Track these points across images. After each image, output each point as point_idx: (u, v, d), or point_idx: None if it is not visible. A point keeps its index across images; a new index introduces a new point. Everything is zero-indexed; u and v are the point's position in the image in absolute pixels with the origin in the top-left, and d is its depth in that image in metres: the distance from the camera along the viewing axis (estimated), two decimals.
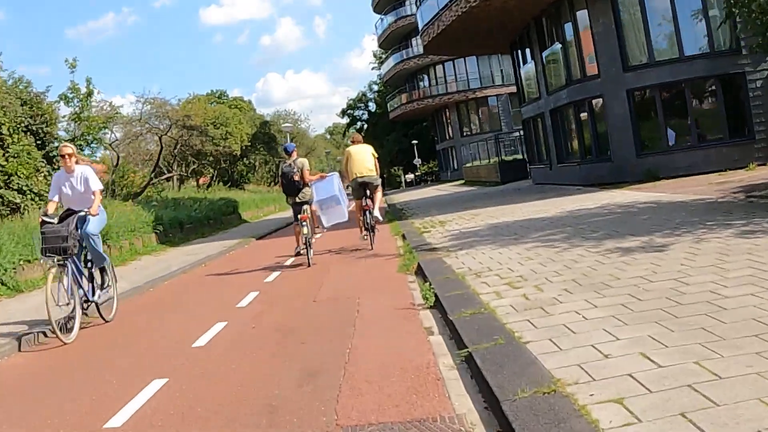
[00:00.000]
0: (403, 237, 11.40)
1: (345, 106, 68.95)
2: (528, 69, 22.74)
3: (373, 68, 62.68)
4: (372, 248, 10.28)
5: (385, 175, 59.98)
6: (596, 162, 17.96)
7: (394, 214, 18.96)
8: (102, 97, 25.44)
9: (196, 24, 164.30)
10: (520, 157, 29.82)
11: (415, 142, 54.54)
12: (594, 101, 17.98)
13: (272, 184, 67.14)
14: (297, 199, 9.72)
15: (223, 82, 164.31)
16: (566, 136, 20.00)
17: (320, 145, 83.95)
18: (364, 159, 10.30)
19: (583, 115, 18.55)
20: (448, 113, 44.14)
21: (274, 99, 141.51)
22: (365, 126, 69.69)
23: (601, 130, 17.95)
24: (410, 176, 57.20)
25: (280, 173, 10.16)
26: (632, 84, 17.08)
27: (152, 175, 25.28)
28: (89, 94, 22.54)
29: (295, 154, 9.93)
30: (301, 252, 9.87)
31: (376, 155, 10.64)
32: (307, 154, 78.41)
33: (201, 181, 42.79)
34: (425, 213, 17.29)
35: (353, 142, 10.92)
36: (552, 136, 20.37)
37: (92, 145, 23.21)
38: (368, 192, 10.35)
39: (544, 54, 20.28)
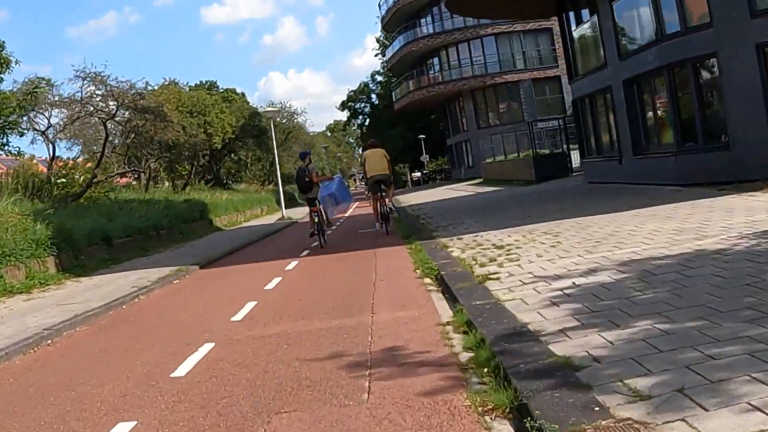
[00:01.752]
0: (442, 284, 5.83)
1: (345, 98, 63.27)
2: (585, 30, 17.15)
3: (376, 55, 57.09)
4: (387, 233, 12.23)
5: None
6: (703, 151, 12.36)
7: (409, 226, 13.38)
8: (35, 74, 19.87)
9: (197, 23, 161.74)
10: (557, 150, 24.23)
11: (422, 136, 48.94)
12: (702, 62, 12.37)
13: (266, 183, 61.68)
14: (309, 195, 11.87)
15: (225, 80, 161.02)
16: (649, 117, 14.39)
17: (319, 142, 78.68)
18: (378, 161, 12.19)
19: (682, 84, 12.94)
20: (462, 102, 38.52)
21: (275, 98, 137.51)
22: (367, 120, 64.09)
23: (712, 105, 12.36)
24: (417, 174, 51.56)
25: (296, 175, 12.62)
26: (765, 35, 11.48)
27: (96, 171, 19.69)
28: (4, 64, 17.07)
29: (308, 160, 12.18)
30: (315, 233, 12.13)
31: (388, 157, 12.46)
32: None
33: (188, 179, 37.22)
34: (458, 225, 11.72)
35: (370, 147, 12.75)
36: (626, 116, 14.74)
37: (6, 130, 17.73)
38: (382, 187, 12.16)
39: (617, 4, 14.67)
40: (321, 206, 12.12)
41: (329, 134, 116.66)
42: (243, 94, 67.80)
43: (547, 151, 24.29)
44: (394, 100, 44.30)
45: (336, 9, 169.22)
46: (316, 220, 11.97)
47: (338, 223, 17.40)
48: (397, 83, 43.36)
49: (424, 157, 49.41)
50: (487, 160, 32.18)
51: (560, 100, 37.52)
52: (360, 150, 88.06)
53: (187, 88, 34.04)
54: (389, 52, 43.55)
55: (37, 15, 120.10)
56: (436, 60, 39.40)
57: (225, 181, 45.40)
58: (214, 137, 32.77)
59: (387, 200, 12.56)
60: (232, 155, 45.84)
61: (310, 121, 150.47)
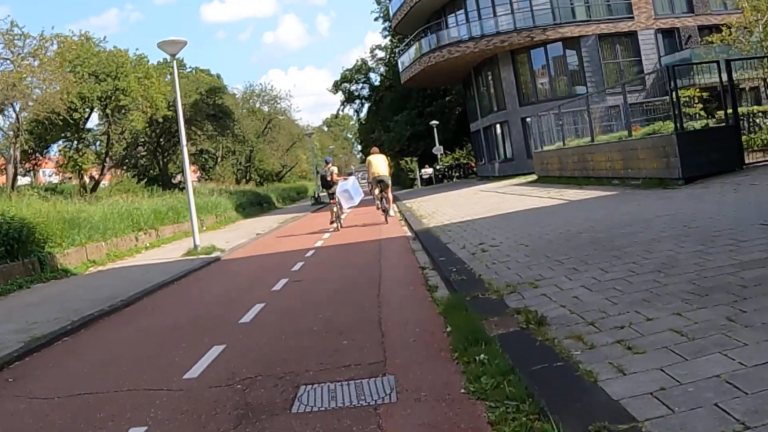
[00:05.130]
0: None
1: (338, 78, 52.04)
2: None
3: (376, 19, 45.85)
4: (387, 222, 14.26)
5: (390, 171, 42.42)
6: None
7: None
8: None
9: (197, 21, 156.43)
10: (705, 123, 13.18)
11: (434, 122, 37.94)
12: None
13: (242, 180, 50.61)
14: (330, 191, 14.93)
15: (225, 77, 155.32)
16: None
17: (312, 138, 68.21)
18: (379, 165, 14.94)
19: None
20: (498, 68, 27.31)
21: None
22: (365, 105, 53.00)
23: None
24: (428, 171, 40.36)
25: (319, 176, 16.27)
26: None
27: None
28: None
29: (330, 165, 15.43)
30: (333, 222, 14.62)
31: (388, 161, 15.67)
32: (292, 145, 61.71)
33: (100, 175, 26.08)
34: None
35: (373, 153, 15.44)
36: None
37: None
38: (382, 186, 14.83)
39: None
40: (338, 197, 14.85)
41: (326, 129, 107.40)
42: (218, 76, 56.95)
43: (696, 125, 13.17)
44: (400, 69, 33.09)
45: (337, 7, 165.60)
46: (335, 209, 14.70)
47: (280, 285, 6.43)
48: (405, 47, 32.14)
49: (437, 149, 38.35)
50: (546, 149, 21.10)
51: (636, 64, 26.50)
52: (359, 146, 77.31)
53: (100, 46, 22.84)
54: (394, 6, 32.38)
55: (37, 12, 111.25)
56: (460, 11, 28.20)
57: (175, 179, 34.40)
58: (133, 112, 21.67)
59: (387, 195, 14.81)
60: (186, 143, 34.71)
61: (295, 106, 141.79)
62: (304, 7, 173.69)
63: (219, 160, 47.99)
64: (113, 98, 21.17)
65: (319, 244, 11.95)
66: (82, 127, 21.31)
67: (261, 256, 11.18)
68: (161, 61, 57.12)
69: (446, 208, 15.78)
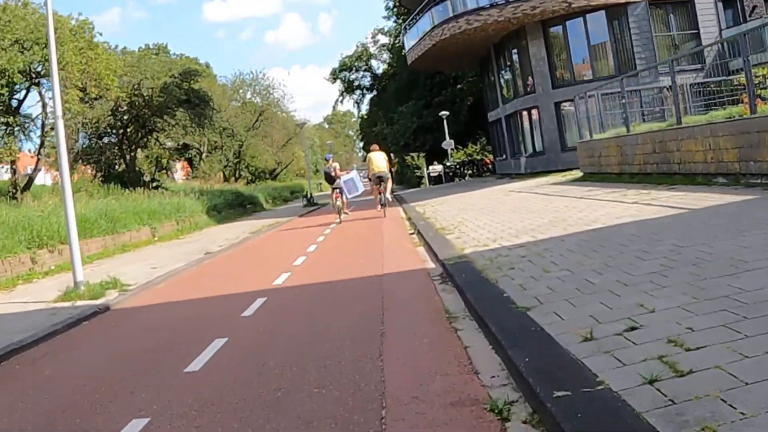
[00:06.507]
0: None
1: (337, 66, 47.26)
2: None
3: None
4: (384, 216, 14.69)
5: (394, 169, 37.71)
6: None
7: None
8: None
9: (199, 19, 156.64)
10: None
11: (444, 113, 33.22)
12: None
13: (231, 178, 45.94)
14: (333, 186, 15.68)
15: (223, 77, 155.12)
16: None
17: (309, 132, 63.62)
18: (379, 161, 15.31)
19: None
20: (528, 43, 22.40)
21: (278, 94, 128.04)
22: (366, 96, 48.30)
23: None
24: (437, 168, 35.47)
25: (324, 172, 16.67)
26: None
27: None
28: None
29: (331, 161, 16.26)
30: (337, 214, 15.41)
31: (387, 158, 16.00)
32: (288, 141, 56.95)
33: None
34: None
35: (373, 150, 15.92)
36: None
37: None
38: (381, 182, 15.11)
39: None
40: (342, 189, 15.65)
41: (327, 126, 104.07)
42: (207, 65, 52.28)
43: None
44: (406, 49, 28.30)
45: (339, 6, 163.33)
46: (338, 203, 15.44)
47: None
48: (412, 20, 27.30)
49: (447, 144, 33.60)
50: (595, 137, 16.37)
51: (694, 37, 21.74)
52: (360, 143, 72.80)
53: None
54: None
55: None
56: None
57: (147, 178, 29.70)
58: (69, 91, 17.00)
59: (386, 191, 15.12)
60: (157, 135, 29.94)
61: (290, 96, 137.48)
62: (306, 5, 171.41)
63: (204, 155, 43.31)
64: (42, 72, 16.55)
65: (280, 280, 7.26)
66: (2, 108, 16.70)
67: (178, 306, 6.53)
68: (142, 46, 52.42)
69: (476, 215, 11.09)
